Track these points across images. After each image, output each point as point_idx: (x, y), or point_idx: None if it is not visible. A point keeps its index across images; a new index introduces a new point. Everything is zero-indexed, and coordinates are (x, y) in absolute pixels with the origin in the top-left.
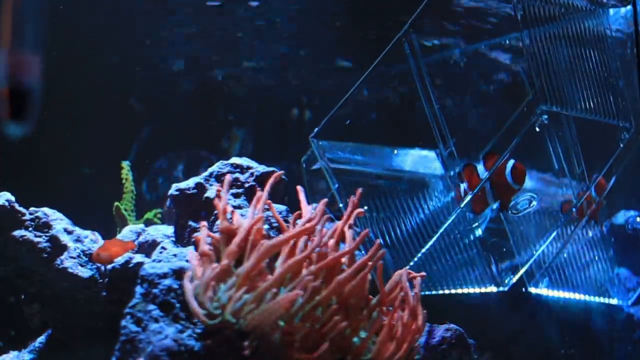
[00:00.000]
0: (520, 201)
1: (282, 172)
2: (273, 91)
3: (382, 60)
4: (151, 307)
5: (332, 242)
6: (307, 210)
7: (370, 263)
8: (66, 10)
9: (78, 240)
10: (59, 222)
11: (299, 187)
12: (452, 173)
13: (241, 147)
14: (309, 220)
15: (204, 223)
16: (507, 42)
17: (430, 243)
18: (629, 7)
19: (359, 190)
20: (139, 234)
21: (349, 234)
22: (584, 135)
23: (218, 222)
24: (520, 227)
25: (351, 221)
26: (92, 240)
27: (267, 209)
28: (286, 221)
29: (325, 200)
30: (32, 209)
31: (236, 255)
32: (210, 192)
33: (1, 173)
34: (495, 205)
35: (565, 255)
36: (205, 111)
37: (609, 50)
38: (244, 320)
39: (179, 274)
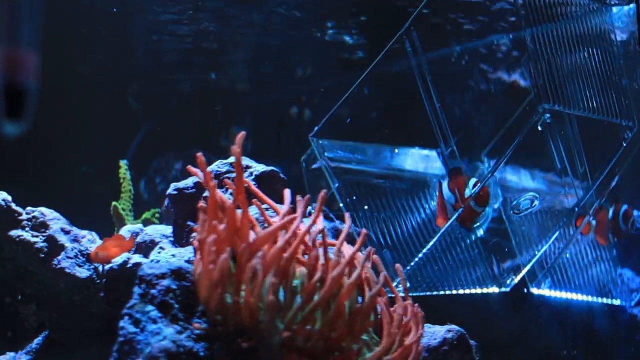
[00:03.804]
0: (523, 201)
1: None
2: (272, 90)
3: (383, 58)
4: (149, 308)
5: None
6: (288, 206)
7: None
8: (65, 7)
9: (76, 240)
10: (57, 222)
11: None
12: None
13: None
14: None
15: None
16: (510, 40)
17: (431, 243)
18: (632, 5)
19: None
20: (137, 234)
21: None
22: (586, 134)
23: None
24: (522, 228)
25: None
26: (90, 240)
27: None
28: None
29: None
30: (29, 208)
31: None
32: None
33: None
34: (497, 205)
35: (568, 255)
36: (204, 110)
37: (612, 48)
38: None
39: (177, 274)
